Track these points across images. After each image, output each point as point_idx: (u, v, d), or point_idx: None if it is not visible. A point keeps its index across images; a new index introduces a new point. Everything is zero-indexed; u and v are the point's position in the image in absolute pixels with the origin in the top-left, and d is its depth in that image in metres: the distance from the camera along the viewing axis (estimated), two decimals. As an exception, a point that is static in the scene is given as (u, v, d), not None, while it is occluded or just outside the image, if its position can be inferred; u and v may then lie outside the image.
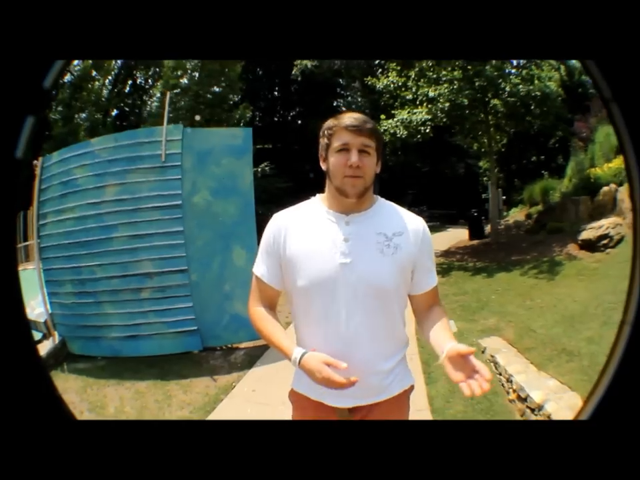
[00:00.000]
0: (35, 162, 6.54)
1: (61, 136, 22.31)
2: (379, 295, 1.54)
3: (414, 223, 1.63)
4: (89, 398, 5.02)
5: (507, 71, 12.85)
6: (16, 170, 0.69)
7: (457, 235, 17.67)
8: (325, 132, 1.59)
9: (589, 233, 9.26)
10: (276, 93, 34.01)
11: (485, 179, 24.03)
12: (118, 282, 5.83)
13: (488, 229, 15.87)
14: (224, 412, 4.30)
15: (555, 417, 3.44)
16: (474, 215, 16.99)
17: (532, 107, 12.85)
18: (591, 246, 9.10)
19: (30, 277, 10.79)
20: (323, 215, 1.61)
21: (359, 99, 31.67)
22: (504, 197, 24.23)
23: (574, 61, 26.37)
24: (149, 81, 30.42)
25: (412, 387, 1.73)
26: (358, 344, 1.53)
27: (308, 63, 27.08)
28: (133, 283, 5.81)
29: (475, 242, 15.31)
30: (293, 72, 27.66)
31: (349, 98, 34.29)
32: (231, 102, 25.64)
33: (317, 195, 1.71)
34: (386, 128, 13.01)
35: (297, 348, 1.52)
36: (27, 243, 18.90)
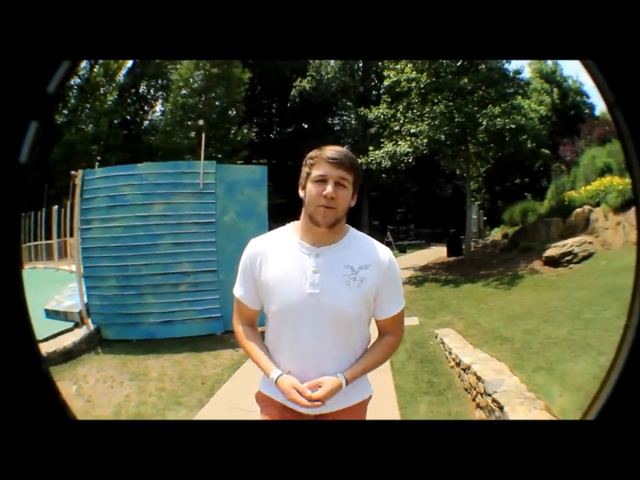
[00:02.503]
0: (74, 172, 7.72)
1: (72, 142, 23.30)
2: (342, 322, 1.65)
3: (380, 255, 1.69)
4: (129, 370, 6.21)
5: (488, 101, 13.62)
6: (20, 174, 0.69)
7: (438, 253, 18.66)
8: (307, 161, 1.64)
9: (552, 250, 10.09)
10: (273, 111, 34.85)
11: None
12: (160, 278, 7.46)
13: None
14: (247, 369, 5.80)
15: (480, 375, 4.40)
16: (452, 234, 17.85)
17: (507, 139, 13.78)
18: (554, 262, 9.88)
19: (42, 275, 12.45)
20: (296, 245, 1.68)
21: (353, 121, 32.61)
22: (485, 218, 25.41)
23: (570, 82, 26.86)
24: (151, 90, 31.02)
25: (370, 397, 1.84)
26: (323, 362, 1.65)
27: (306, 85, 28.17)
28: (173, 279, 7.49)
29: (452, 259, 16.17)
30: (292, 93, 28.64)
31: (344, 118, 35.22)
32: (232, 121, 26.37)
33: (292, 222, 1.78)
34: (373, 158, 14.42)
35: (274, 370, 1.66)
36: (36, 243, 19.47)
